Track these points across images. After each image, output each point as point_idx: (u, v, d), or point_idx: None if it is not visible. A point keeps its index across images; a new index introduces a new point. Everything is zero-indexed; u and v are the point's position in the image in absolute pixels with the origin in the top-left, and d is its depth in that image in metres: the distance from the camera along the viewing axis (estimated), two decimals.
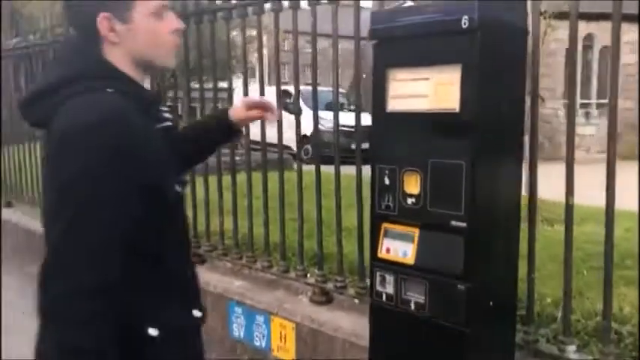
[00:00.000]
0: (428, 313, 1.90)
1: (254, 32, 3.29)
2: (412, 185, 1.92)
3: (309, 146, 8.27)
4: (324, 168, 3.04)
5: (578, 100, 14.51)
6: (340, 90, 10.22)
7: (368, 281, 3.03)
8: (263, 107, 1.70)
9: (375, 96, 2.00)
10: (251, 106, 1.69)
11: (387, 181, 1.98)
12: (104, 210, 1.12)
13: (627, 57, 12.98)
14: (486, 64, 1.73)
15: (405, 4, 2.18)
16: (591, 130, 13.63)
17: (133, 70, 1.28)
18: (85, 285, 1.09)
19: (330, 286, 3.04)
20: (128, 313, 1.19)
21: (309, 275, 3.19)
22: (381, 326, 2.08)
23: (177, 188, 1.32)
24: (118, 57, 1.25)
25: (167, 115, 1.40)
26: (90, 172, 1.11)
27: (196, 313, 1.38)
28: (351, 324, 2.78)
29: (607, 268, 2.10)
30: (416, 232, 1.93)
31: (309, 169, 3.13)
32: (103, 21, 1.21)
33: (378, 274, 2.05)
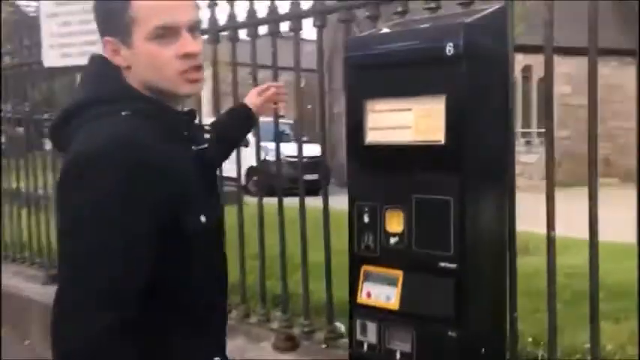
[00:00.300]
0: None
1: None
2: (395, 224, 1.77)
3: (255, 178, 8.10)
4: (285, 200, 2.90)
5: (520, 130, 14.98)
6: (288, 121, 10.17)
7: (339, 325, 2.88)
8: (274, 89, 1.99)
9: (350, 128, 1.87)
10: (262, 91, 1.97)
11: (366, 220, 1.83)
12: (113, 247, 1.06)
13: (563, 87, 13.54)
14: (472, 94, 1.63)
15: (382, 31, 2.07)
16: (533, 158, 14.02)
17: (150, 94, 1.21)
18: (100, 324, 1.02)
19: (295, 330, 2.84)
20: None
21: (271, 319, 2.99)
22: None
23: (203, 219, 1.18)
24: (133, 81, 1.20)
25: (207, 135, 1.36)
26: (97, 206, 1.06)
27: None
28: None
29: (593, 306, 2.02)
30: (399, 274, 1.78)
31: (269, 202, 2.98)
32: (106, 44, 1.19)
33: (358, 321, 1.88)
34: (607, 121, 13.11)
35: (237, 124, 1.94)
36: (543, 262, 2.12)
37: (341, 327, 2.87)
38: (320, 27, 2.62)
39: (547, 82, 2.09)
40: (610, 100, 13.30)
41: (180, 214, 1.14)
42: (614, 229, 3.35)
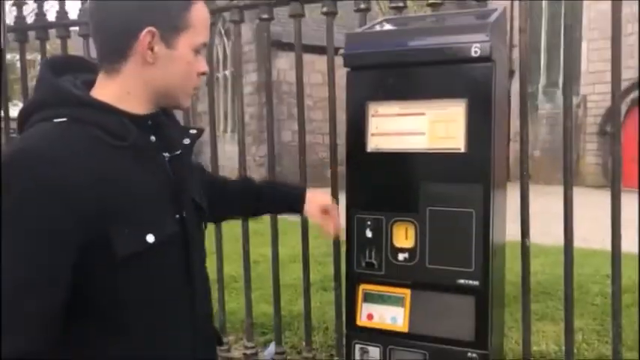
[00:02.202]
0: None
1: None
2: (404, 238, 1.62)
3: None
4: None
5: None
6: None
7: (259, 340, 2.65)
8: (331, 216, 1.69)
9: (350, 133, 1.68)
10: (324, 210, 1.69)
11: (369, 234, 1.66)
12: (13, 261, 0.95)
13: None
14: (496, 98, 1.53)
15: (385, 27, 1.90)
16: None
17: (143, 96, 1.14)
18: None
19: (236, 354, 2.57)
20: None
21: None
22: None
23: (150, 238, 1.06)
24: (137, 78, 1.12)
25: (187, 141, 1.21)
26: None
27: None
28: None
29: (567, 315, 2.04)
30: (407, 293, 1.64)
31: None
32: (147, 35, 1.08)
33: (357, 346, 1.70)
34: None
35: (282, 207, 1.74)
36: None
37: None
38: None
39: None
40: None
41: (109, 233, 1.02)
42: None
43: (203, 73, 1.20)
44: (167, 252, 1.12)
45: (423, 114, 1.58)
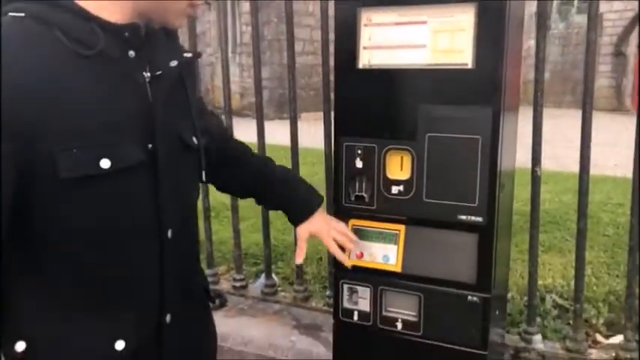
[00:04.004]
0: (423, 334, 1.46)
1: None
2: (399, 169, 1.42)
3: None
4: None
5: None
6: None
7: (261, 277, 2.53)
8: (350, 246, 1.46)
9: (338, 47, 1.44)
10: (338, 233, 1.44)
11: (359, 164, 1.46)
12: None
13: None
14: (510, 5, 1.28)
15: None
16: None
17: (126, 7, 0.97)
18: None
19: (224, 286, 2.45)
20: None
21: None
22: (352, 355, 1.59)
23: (105, 163, 0.92)
24: None
25: (174, 63, 1.04)
26: None
27: (119, 344, 0.99)
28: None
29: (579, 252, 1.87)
30: (401, 229, 1.46)
31: None
32: None
33: (345, 286, 1.54)
34: None
35: (275, 206, 1.45)
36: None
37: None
38: None
39: None
40: None
41: (53, 151, 0.89)
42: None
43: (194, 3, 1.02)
44: (130, 183, 0.97)
45: (424, 22, 1.34)
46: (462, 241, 1.38)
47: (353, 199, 1.49)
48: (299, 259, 1.44)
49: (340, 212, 1.51)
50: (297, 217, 1.42)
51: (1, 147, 0.85)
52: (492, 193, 1.34)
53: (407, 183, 1.42)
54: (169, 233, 1.04)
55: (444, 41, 1.33)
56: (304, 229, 1.41)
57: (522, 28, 1.53)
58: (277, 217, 3.12)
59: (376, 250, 1.49)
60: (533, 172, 1.88)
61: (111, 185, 0.94)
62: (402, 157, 1.42)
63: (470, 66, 1.31)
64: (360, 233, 1.50)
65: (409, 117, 1.38)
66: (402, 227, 1.46)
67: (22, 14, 0.91)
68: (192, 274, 1.20)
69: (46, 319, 0.97)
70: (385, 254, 1.48)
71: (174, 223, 1.05)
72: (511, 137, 1.47)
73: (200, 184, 1.20)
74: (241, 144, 1.42)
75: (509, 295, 2.23)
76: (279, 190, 1.39)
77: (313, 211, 1.41)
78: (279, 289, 2.55)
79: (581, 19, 15.14)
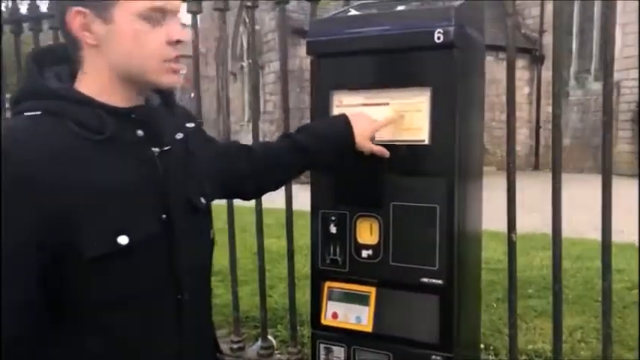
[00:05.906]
0: None
1: None
2: (369, 234, 1.55)
3: None
4: None
5: None
6: None
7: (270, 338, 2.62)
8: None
9: None
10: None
11: (333, 230, 1.59)
12: None
13: None
14: (461, 87, 1.44)
15: (350, 13, 1.85)
16: None
17: (117, 85, 1.04)
18: None
19: (223, 347, 2.54)
20: None
21: None
22: None
23: (123, 240, 0.99)
24: (98, 66, 1.04)
25: (179, 135, 1.13)
26: None
27: None
28: None
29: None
30: (372, 291, 1.57)
31: None
32: (75, 17, 1.00)
33: (322, 345, 1.64)
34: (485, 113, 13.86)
35: (334, 150, 1.50)
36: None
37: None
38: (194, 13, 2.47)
39: None
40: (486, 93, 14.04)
41: (76, 234, 0.97)
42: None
43: (176, 42, 1.04)
44: (147, 254, 1.04)
45: (387, 104, 1.51)
46: (424, 302, 1.49)
47: (328, 262, 1.61)
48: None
49: (316, 274, 1.63)
50: (348, 140, 1.47)
51: (34, 235, 0.94)
52: (451, 257, 1.46)
53: (376, 248, 1.54)
54: (186, 295, 1.11)
55: (404, 120, 1.48)
56: (362, 139, 1.47)
57: (482, 103, 1.68)
58: (280, 281, 3.23)
59: (349, 311, 1.60)
60: (510, 237, 1.98)
61: (130, 259, 1.01)
62: (371, 224, 1.55)
63: (426, 142, 1.45)
64: (335, 295, 1.61)
65: (375, 187, 1.53)
66: (372, 289, 1.57)
67: (38, 112, 1.00)
68: (206, 327, 1.26)
69: None
70: (358, 315, 1.58)
71: (190, 285, 1.12)
72: (472, 204, 1.60)
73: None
74: (258, 142, 1.62)
75: (491, 357, 2.28)
76: (315, 146, 1.46)
77: (349, 125, 1.47)
78: (277, 351, 2.63)
79: (598, 87, 15.33)
